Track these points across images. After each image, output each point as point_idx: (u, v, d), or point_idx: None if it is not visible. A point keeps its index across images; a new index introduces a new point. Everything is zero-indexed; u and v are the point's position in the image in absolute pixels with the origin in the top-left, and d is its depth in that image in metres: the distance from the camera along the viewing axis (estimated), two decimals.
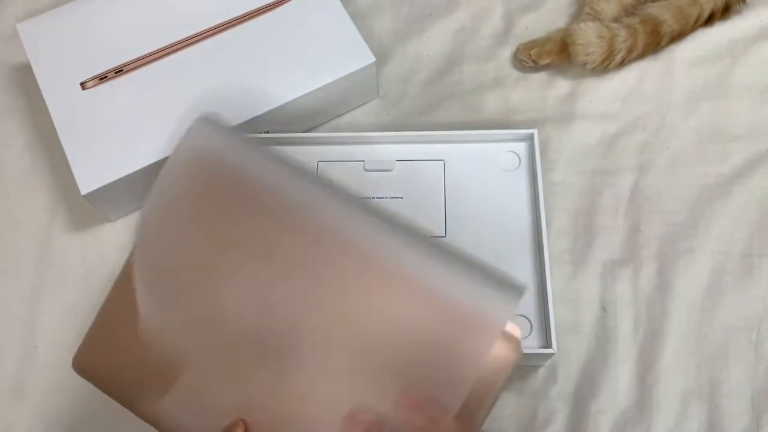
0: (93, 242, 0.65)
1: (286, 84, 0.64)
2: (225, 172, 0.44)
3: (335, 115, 0.71)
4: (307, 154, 0.64)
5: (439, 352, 0.38)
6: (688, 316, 0.60)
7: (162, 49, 0.65)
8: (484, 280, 0.40)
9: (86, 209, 0.66)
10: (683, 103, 0.70)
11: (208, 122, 0.45)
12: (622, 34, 0.67)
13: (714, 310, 0.60)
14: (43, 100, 0.63)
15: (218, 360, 0.43)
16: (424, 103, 0.71)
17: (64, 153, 0.61)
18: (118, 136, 0.62)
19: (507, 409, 0.58)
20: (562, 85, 0.71)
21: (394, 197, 0.62)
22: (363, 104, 0.71)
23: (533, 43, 0.71)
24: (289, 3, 0.68)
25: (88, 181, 0.60)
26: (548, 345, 0.54)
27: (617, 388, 0.58)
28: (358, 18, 0.70)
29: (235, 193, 0.43)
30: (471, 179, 0.62)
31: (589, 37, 0.67)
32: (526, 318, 0.56)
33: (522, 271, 0.58)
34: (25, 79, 0.73)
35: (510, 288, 0.39)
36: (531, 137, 0.62)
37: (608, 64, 0.68)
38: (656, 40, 0.69)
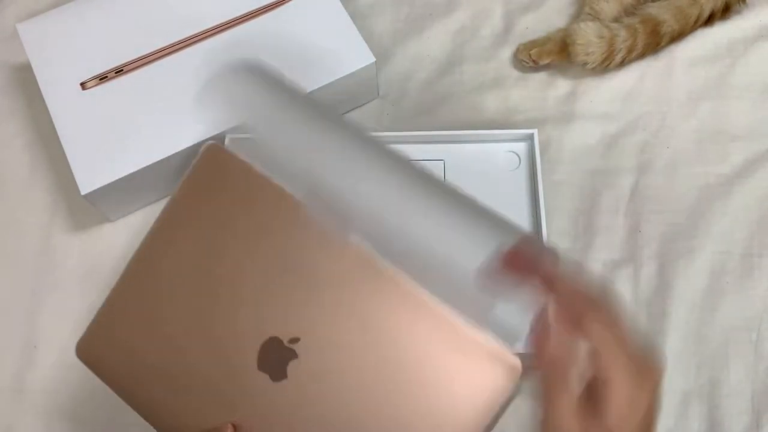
0: (93, 242, 0.65)
1: None
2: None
3: None
4: None
5: (442, 380, 0.40)
6: (688, 316, 0.60)
7: (162, 49, 0.65)
8: (489, 310, 0.41)
9: (86, 209, 0.66)
10: (683, 103, 0.70)
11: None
12: (622, 34, 0.67)
13: (714, 310, 0.60)
14: (43, 100, 0.63)
15: (218, 365, 0.44)
16: (424, 103, 0.71)
17: (64, 153, 0.61)
18: (118, 136, 0.62)
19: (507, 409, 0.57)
20: (562, 85, 0.71)
21: None
22: (363, 104, 0.71)
23: (533, 43, 0.71)
24: (289, 3, 0.68)
25: (88, 181, 0.60)
26: None
27: None
28: (358, 18, 0.70)
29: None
30: (471, 179, 0.62)
31: (589, 37, 0.67)
32: None
33: None
34: (25, 79, 0.73)
35: (512, 317, 0.40)
36: (531, 137, 0.62)
37: (608, 64, 0.68)
38: (656, 40, 0.69)
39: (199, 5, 0.67)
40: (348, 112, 0.71)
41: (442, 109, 0.70)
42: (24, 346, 0.61)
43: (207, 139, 0.62)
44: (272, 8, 0.67)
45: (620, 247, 0.63)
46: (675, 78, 0.71)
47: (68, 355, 0.61)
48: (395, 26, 0.75)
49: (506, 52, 0.73)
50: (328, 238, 0.43)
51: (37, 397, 0.60)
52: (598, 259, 0.63)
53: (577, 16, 0.73)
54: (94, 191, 0.60)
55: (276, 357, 0.42)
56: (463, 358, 0.40)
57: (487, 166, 0.63)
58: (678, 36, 0.70)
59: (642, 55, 0.70)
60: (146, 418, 0.46)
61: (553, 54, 0.70)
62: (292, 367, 0.42)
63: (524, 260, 0.35)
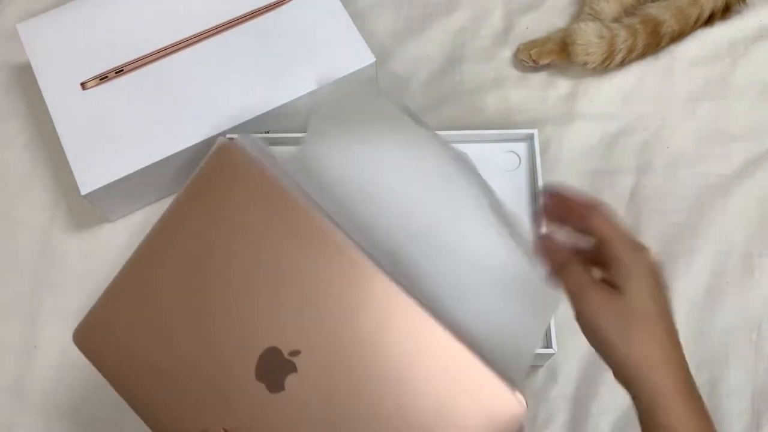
0: (93, 242, 0.65)
1: (286, 84, 0.64)
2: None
3: None
4: None
5: (447, 408, 0.40)
6: (688, 316, 0.60)
7: (162, 49, 0.65)
8: (497, 352, 0.41)
9: (86, 209, 0.66)
10: (683, 103, 0.70)
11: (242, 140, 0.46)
12: (622, 34, 0.67)
13: (714, 310, 0.60)
14: (44, 100, 0.63)
15: (214, 369, 0.43)
16: (424, 103, 0.71)
17: (64, 153, 0.61)
18: (118, 136, 0.62)
19: None
20: (562, 85, 0.71)
21: None
22: None
23: (533, 43, 0.71)
24: (289, 3, 0.67)
25: (88, 181, 0.60)
26: (548, 345, 0.54)
27: (617, 388, 0.58)
28: (358, 18, 0.70)
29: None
30: None
31: (589, 37, 0.67)
32: None
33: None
34: (25, 79, 0.73)
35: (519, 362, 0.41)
36: (531, 137, 0.62)
37: (608, 64, 0.68)
38: (656, 40, 0.69)
39: (199, 5, 0.67)
40: None
41: (442, 109, 0.70)
42: (24, 346, 0.61)
43: (207, 139, 0.62)
44: (272, 8, 0.67)
45: None
46: (675, 78, 0.71)
47: (68, 355, 0.61)
48: (395, 26, 0.75)
49: (506, 52, 0.73)
50: (340, 251, 0.42)
51: (37, 397, 0.60)
52: None
53: (578, 16, 0.73)
54: (94, 191, 0.60)
55: (275, 368, 0.42)
56: (467, 390, 0.40)
57: (487, 166, 0.62)
58: (678, 36, 0.70)
59: (642, 55, 0.70)
60: (137, 412, 0.45)
61: (554, 54, 0.70)
62: (290, 380, 0.41)
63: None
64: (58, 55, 0.66)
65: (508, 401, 0.39)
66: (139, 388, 0.45)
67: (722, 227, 0.63)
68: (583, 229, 0.40)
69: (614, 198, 0.65)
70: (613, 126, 0.69)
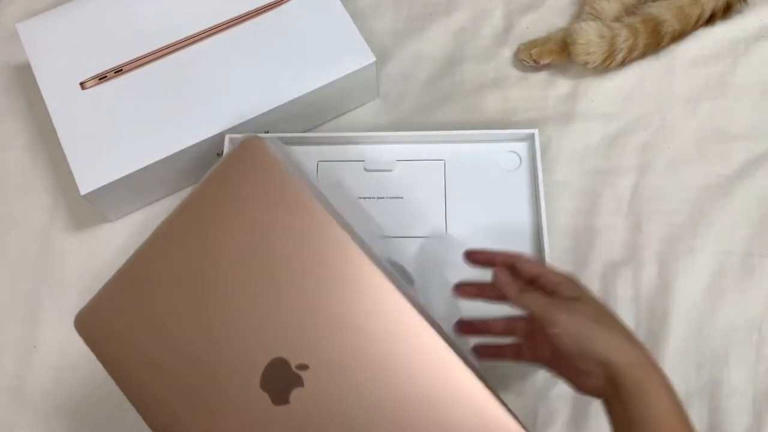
0: (93, 242, 0.65)
1: (286, 84, 0.64)
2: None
3: (335, 115, 0.71)
4: (307, 154, 0.63)
5: None
6: (689, 316, 0.60)
7: (161, 49, 0.65)
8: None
9: (86, 209, 0.66)
10: (684, 103, 0.69)
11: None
12: (623, 33, 0.67)
13: (714, 311, 0.60)
14: (43, 100, 0.63)
15: (216, 373, 0.42)
16: (424, 103, 0.71)
17: (64, 153, 0.61)
18: (118, 136, 0.62)
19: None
20: (562, 85, 0.71)
21: (394, 197, 0.62)
22: (363, 104, 0.71)
23: (534, 43, 0.71)
24: (289, 3, 0.67)
25: (88, 181, 0.60)
26: None
27: None
28: (358, 18, 0.70)
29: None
30: (471, 179, 0.62)
31: (590, 37, 0.67)
32: None
33: None
34: (25, 79, 0.73)
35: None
36: (531, 137, 0.62)
37: (609, 63, 0.68)
38: (657, 40, 0.69)
39: (199, 5, 0.67)
40: (348, 112, 0.71)
41: (442, 109, 0.70)
42: (24, 346, 0.61)
43: (207, 139, 0.62)
44: (272, 8, 0.67)
45: (620, 247, 0.63)
46: (675, 78, 0.71)
47: (68, 355, 0.61)
48: (395, 26, 0.75)
49: (506, 52, 0.73)
50: (360, 269, 0.40)
51: (37, 397, 0.60)
52: (599, 260, 0.62)
53: (578, 16, 0.73)
54: (94, 191, 0.60)
55: (281, 380, 0.40)
56: (477, 425, 0.39)
57: (487, 166, 0.63)
58: (679, 36, 0.70)
59: (643, 55, 0.70)
60: (132, 403, 0.44)
61: (554, 54, 0.70)
62: (295, 394, 0.40)
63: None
64: (57, 55, 0.66)
65: None
66: (137, 381, 0.43)
67: (722, 227, 0.63)
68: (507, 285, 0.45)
69: (614, 198, 0.65)
70: (614, 126, 0.69)
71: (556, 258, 0.62)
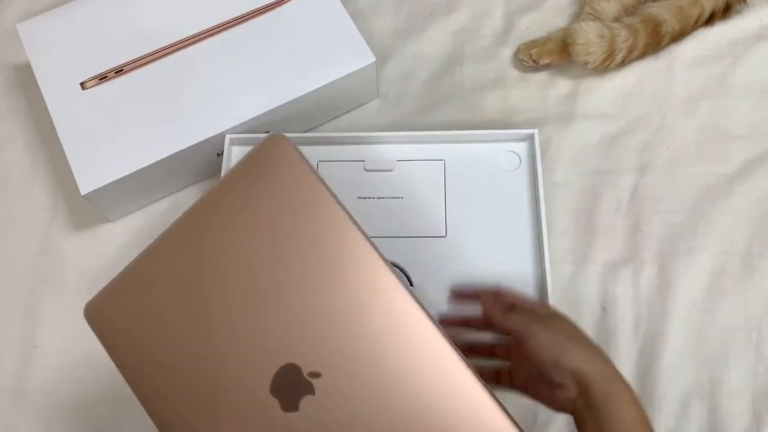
0: (93, 242, 0.65)
1: (287, 84, 0.64)
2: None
3: (335, 115, 0.71)
4: (307, 154, 0.63)
5: None
6: (688, 316, 0.60)
7: (162, 49, 0.65)
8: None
9: (86, 209, 0.66)
10: (683, 103, 0.70)
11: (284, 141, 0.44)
12: (623, 33, 0.67)
13: (714, 311, 0.60)
14: (43, 100, 0.63)
15: (226, 375, 0.41)
16: (424, 103, 0.71)
17: (64, 153, 0.61)
18: (118, 136, 0.62)
19: (507, 409, 0.57)
20: (562, 85, 0.71)
21: (394, 197, 0.62)
22: (363, 104, 0.71)
23: (533, 43, 0.71)
24: (289, 3, 0.67)
25: (88, 181, 0.60)
26: None
27: None
28: (358, 18, 0.70)
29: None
30: (471, 179, 0.62)
31: (590, 37, 0.67)
32: None
33: (522, 271, 0.58)
34: (25, 79, 0.73)
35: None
36: (531, 137, 0.62)
37: (609, 63, 0.68)
38: (657, 40, 0.69)
39: (199, 5, 0.67)
40: (348, 112, 0.71)
41: (442, 109, 0.70)
42: (24, 346, 0.61)
43: (207, 139, 0.62)
44: (272, 8, 0.67)
45: (620, 247, 0.63)
46: (675, 78, 0.71)
47: (68, 355, 0.61)
48: (395, 26, 0.75)
49: (506, 52, 0.73)
50: (378, 278, 0.39)
51: (37, 397, 0.60)
52: (599, 260, 0.63)
53: (578, 16, 0.73)
54: (94, 191, 0.60)
55: (291, 386, 0.39)
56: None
57: (487, 166, 0.63)
58: (679, 36, 0.70)
59: (642, 55, 0.70)
60: (138, 397, 0.42)
61: (554, 54, 0.70)
62: (305, 402, 0.39)
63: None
64: (58, 55, 0.66)
65: None
66: (144, 376, 0.42)
67: (722, 227, 0.63)
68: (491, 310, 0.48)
69: (614, 198, 0.65)
70: (613, 126, 0.69)
71: (556, 258, 0.62)
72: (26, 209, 0.67)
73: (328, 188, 0.42)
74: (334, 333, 0.39)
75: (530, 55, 0.70)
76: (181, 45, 0.66)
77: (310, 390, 0.39)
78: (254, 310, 0.41)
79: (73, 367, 0.60)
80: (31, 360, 0.61)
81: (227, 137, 0.62)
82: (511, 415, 0.39)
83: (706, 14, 0.70)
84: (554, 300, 0.57)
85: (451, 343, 0.39)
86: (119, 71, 0.65)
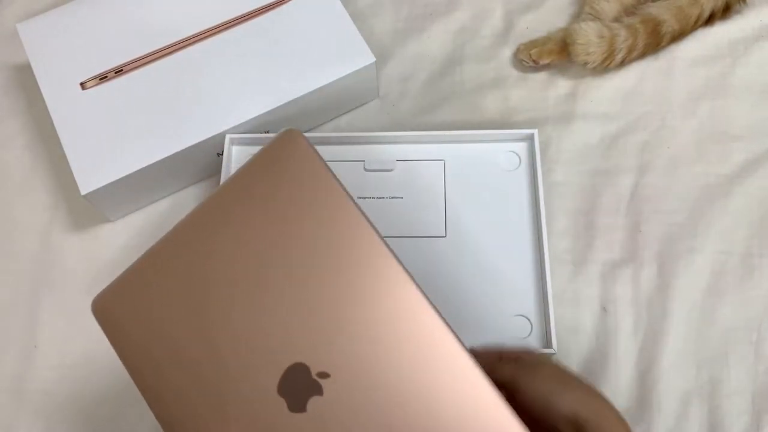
0: (93, 242, 0.65)
1: (286, 84, 0.64)
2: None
3: (335, 115, 0.71)
4: None
5: None
6: (688, 316, 0.60)
7: (162, 49, 0.65)
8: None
9: (86, 209, 0.66)
10: (683, 103, 0.70)
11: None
12: (623, 33, 0.67)
13: (714, 310, 0.60)
14: (43, 100, 0.64)
15: (234, 373, 0.40)
16: (424, 103, 0.71)
17: (64, 153, 0.61)
18: (118, 136, 0.62)
19: None
20: (562, 85, 0.71)
21: (394, 197, 0.62)
22: (363, 104, 0.71)
23: (533, 43, 0.71)
24: (289, 3, 0.68)
25: (88, 181, 0.60)
26: (548, 345, 0.54)
27: (617, 388, 0.58)
28: (358, 18, 0.70)
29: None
30: (471, 179, 0.62)
31: (590, 37, 0.67)
32: (526, 318, 0.56)
33: (522, 271, 0.58)
34: (25, 79, 0.73)
35: None
36: (531, 137, 0.62)
37: (609, 63, 0.68)
38: (657, 40, 0.69)
39: (199, 5, 0.67)
40: (348, 112, 0.71)
41: (442, 109, 0.70)
42: (24, 346, 0.61)
43: (207, 139, 0.62)
44: (272, 8, 0.67)
45: (620, 247, 0.63)
46: (675, 78, 0.71)
47: (68, 355, 0.61)
48: (395, 26, 0.75)
49: (506, 52, 0.73)
50: (392, 277, 0.39)
51: (37, 397, 0.60)
52: (598, 260, 0.63)
53: (578, 16, 0.73)
54: (94, 191, 0.60)
55: (299, 386, 0.38)
56: None
57: (487, 166, 0.63)
58: (678, 36, 0.70)
59: (642, 55, 0.70)
60: (141, 392, 0.42)
61: (554, 54, 0.70)
62: (313, 403, 0.38)
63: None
64: (58, 55, 0.66)
65: None
66: (149, 372, 0.42)
67: (722, 227, 0.63)
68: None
69: (614, 198, 0.65)
70: (613, 126, 0.69)
71: (556, 258, 0.62)
72: (26, 209, 0.67)
73: (342, 185, 0.41)
74: (344, 333, 0.39)
75: (530, 55, 0.70)
76: (181, 45, 0.66)
77: (318, 390, 0.38)
78: (264, 308, 0.40)
79: (73, 367, 0.60)
80: (31, 360, 0.61)
81: (227, 137, 0.62)
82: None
83: (706, 14, 0.70)
84: (554, 300, 0.57)
85: (464, 347, 0.38)
86: (119, 71, 0.65)
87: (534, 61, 0.70)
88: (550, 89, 0.71)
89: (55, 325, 0.62)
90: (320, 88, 0.64)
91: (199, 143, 0.62)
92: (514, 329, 0.56)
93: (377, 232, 0.40)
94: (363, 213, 0.41)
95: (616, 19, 0.70)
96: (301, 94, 0.64)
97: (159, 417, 0.41)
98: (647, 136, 0.68)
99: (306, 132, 0.69)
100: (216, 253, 0.42)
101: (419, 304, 0.39)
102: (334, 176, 0.41)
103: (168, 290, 0.42)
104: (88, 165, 0.61)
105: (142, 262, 0.43)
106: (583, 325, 0.60)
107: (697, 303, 0.61)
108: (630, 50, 0.68)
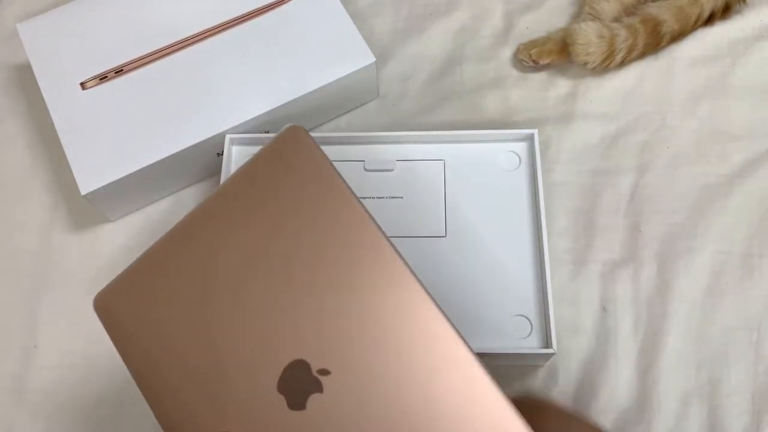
0: (93, 242, 0.65)
1: (286, 84, 0.64)
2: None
3: (335, 115, 0.71)
4: None
5: None
6: (688, 316, 0.60)
7: (162, 49, 0.65)
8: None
9: (86, 209, 0.66)
10: (683, 103, 0.70)
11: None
12: (623, 33, 0.67)
13: (714, 310, 0.60)
14: (43, 100, 0.64)
15: (235, 369, 0.40)
16: (424, 103, 0.71)
17: (64, 153, 0.61)
18: (118, 136, 0.62)
19: None
20: (562, 85, 0.71)
21: (394, 197, 0.62)
22: (363, 104, 0.71)
23: (533, 43, 0.71)
24: (289, 3, 0.68)
25: (88, 181, 0.60)
26: (548, 345, 0.54)
27: (617, 388, 0.58)
28: (358, 18, 0.70)
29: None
30: (471, 179, 0.62)
31: (590, 37, 0.67)
32: (526, 318, 0.56)
33: (522, 271, 0.58)
34: (25, 79, 0.73)
35: None
36: (531, 137, 0.62)
37: (608, 63, 0.68)
38: (656, 40, 0.69)
39: (199, 5, 0.67)
40: (348, 112, 0.71)
41: (442, 109, 0.70)
42: (24, 346, 0.61)
43: (207, 139, 0.62)
44: (272, 8, 0.67)
45: (620, 247, 0.63)
46: (675, 78, 0.71)
47: (68, 355, 0.61)
48: (395, 26, 0.75)
49: (506, 52, 0.73)
50: (395, 275, 0.39)
51: (37, 397, 0.60)
52: (598, 259, 0.63)
53: (578, 16, 0.73)
54: (94, 191, 0.60)
55: (299, 383, 0.38)
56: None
57: (487, 166, 0.63)
58: (678, 36, 0.70)
59: (642, 55, 0.70)
60: (141, 390, 0.42)
61: (554, 54, 0.70)
62: (313, 400, 0.38)
63: None
64: (58, 55, 0.66)
65: None
66: (149, 369, 0.42)
67: (722, 227, 0.63)
68: None
69: (614, 198, 0.65)
70: (613, 126, 0.69)
71: (556, 258, 0.62)
72: (26, 209, 0.67)
73: (345, 182, 0.41)
74: (345, 329, 0.39)
75: (530, 55, 0.70)
76: (182, 45, 0.66)
77: (318, 388, 0.38)
78: (265, 305, 0.40)
79: (73, 367, 0.60)
80: (31, 360, 0.61)
81: (227, 137, 0.62)
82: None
83: (706, 14, 0.70)
84: (554, 300, 0.57)
85: (467, 345, 0.38)
86: (119, 71, 0.65)
87: (534, 61, 0.70)
88: (550, 89, 0.71)
89: (55, 325, 0.62)
90: (320, 88, 0.64)
91: (199, 143, 0.62)
92: (514, 329, 0.56)
93: (380, 229, 0.40)
94: (366, 210, 0.41)
95: (616, 19, 0.70)
96: (301, 94, 0.64)
97: (158, 414, 0.41)
98: (647, 136, 0.68)
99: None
100: (218, 250, 0.42)
101: (422, 302, 0.38)
102: (338, 173, 0.41)
103: (170, 287, 0.42)
104: (88, 165, 0.61)
105: (144, 259, 0.44)
106: (583, 325, 0.60)
107: (697, 303, 0.61)
108: (630, 50, 0.68)
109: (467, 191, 0.62)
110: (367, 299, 0.39)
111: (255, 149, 0.61)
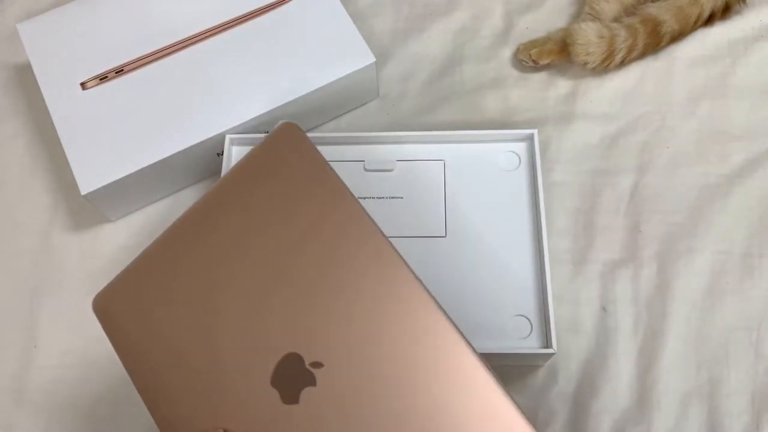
0: (93, 242, 0.65)
1: (286, 84, 0.64)
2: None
3: (335, 115, 0.71)
4: None
5: None
6: (688, 316, 0.60)
7: (162, 49, 0.65)
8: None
9: (86, 209, 0.66)
10: (683, 103, 0.70)
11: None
12: (623, 34, 0.67)
13: (714, 310, 0.60)
14: (43, 100, 0.64)
15: (229, 365, 0.40)
16: (424, 103, 0.71)
17: (64, 153, 0.61)
18: (118, 136, 0.62)
19: None
20: (562, 85, 0.71)
21: (394, 197, 0.62)
22: (363, 104, 0.71)
23: (533, 43, 0.71)
24: (289, 3, 0.68)
25: (88, 181, 0.60)
26: (548, 345, 0.54)
27: (617, 388, 0.58)
28: (358, 18, 0.70)
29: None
30: (471, 179, 0.62)
31: (590, 37, 0.67)
32: (526, 318, 0.56)
33: (522, 271, 0.58)
34: (25, 79, 0.73)
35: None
36: (531, 137, 0.62)
37: (608, 64, 0.68)
38: (656, 40, 0.69)
39: (199, 5, 0.67)
40: (348, 112, 0.71)
41: (442, 109, 0.70)
42: (24, 346, 0.61)
43: (207, 139, 0.62)
44: (272, 8, 0.67)
45: (620, 247, 0.63)
46: (675, 78, 0.71)
47: (68, 355, 0.61)
48: (395, 26, 0.75)
49: (506, 52, 0.73)
50: (389, 268, 0.39)
51: (37, 397, 0.60)
52: (598, 259, 0.63)
53: (578, 16, 0.73)
54: (94, 191, 0.60)
55: (292, 377, 0.38)
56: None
57: (487, 166, 0.63)
58: (678, 36, 0.70)
59: (642, 55, 0.70)
60: (139, 391, 0.42)
61: (554, 54, 0.70)
62: (306, 393, 0.38)
63: None
64: (58, 55, 0.66)
65: None
66: (146, 367, 0.42)
67: (722, 227, 0.63)
68: None
69: (614, 198, 0.65)
70: (613, 126, 0.69)
71: (556, 258, 0.62)
72: (26, 209, 0.67)
73: (338, 176, 0.41)
74: (339, 323, 0.39)
75: (530, 55, 0.70)
76: (181, 45, 0.66)
77: (311, 381, 0.38)
78: (260, 300, 0.40)
79: (73, 367, 0.60)
80: (31, 360, 0.61)
81: (227, 137, 0.62)
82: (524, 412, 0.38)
83: (706, 14, 0.70)
84: (554, 300, 0.57)
85: (463, 337, 0.38)
86: (119, 71, 0.65)
87: (534, 61, 0.70)
88: (550, 89, 0.71)
89: (55, 325, 0.62)
90: (320, 88, 0.64)
91: (199, 143, 0.62)
92: (514, 329, 0.56)
93: (375, 224, 0.40)
94: (358, 202, 0.41)
95: (616, 19, 0.70)
96: (301, 94, 0.64)
97: (153, 412, 0.41)
98: (647, 136, 0.68)
99: (306, 132, 0.69)
100: (213, 249, 0.42)
101: (418, 296, 0.38)
102: (331, 168, 0.42)
103: (167, 287, 0.42)
104: (88, 165, 0.61)
105: (142, 259, 0.44)
106: (583, 325, 0.60)
107: (697, 303, 0.61)
108: (630, 50, 0.68)
109: (467, 191, 0.62)
110: (362, 293, 0.39)
111: None
